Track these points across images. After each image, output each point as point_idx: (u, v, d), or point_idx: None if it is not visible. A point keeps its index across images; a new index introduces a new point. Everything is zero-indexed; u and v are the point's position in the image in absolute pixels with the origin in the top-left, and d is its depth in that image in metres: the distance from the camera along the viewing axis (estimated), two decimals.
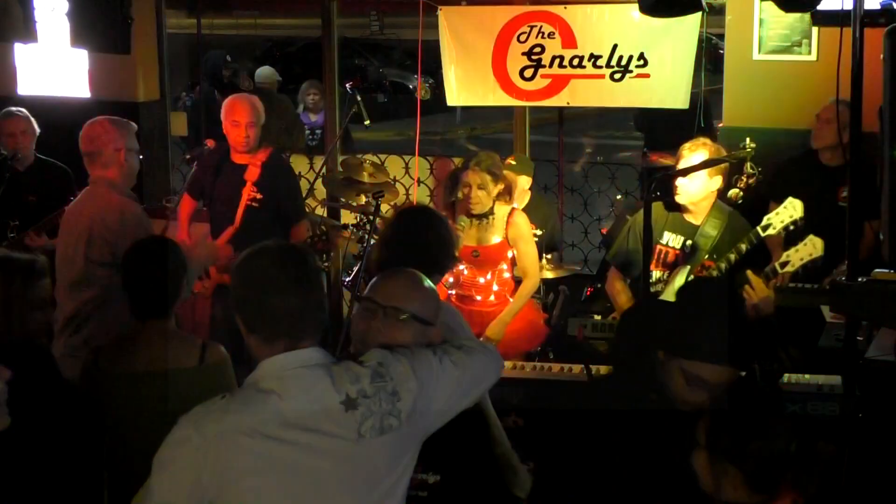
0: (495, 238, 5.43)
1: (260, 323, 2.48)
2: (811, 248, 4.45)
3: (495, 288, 5.48)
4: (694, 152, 4.98)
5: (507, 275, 5.51)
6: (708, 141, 5.10)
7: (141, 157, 4.99)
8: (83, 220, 4.75)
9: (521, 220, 5.49)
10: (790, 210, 4.61)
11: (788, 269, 4.50)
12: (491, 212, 5.42)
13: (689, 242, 5.02)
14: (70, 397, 3.54)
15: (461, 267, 5.45)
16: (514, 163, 6.29)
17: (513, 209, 5.51)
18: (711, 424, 2.60)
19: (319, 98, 9.69)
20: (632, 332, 3.28)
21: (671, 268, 5.02)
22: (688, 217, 5.05)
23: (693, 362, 2.85)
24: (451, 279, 5.52)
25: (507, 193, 5.48)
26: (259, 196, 5.83)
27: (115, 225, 4.65)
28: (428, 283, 2.88)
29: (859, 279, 3.30)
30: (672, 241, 5.07)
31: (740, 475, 2.49)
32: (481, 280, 5.48)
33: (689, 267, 4.87)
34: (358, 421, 2.42)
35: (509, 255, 5.46)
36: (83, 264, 4.66)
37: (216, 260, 5.33)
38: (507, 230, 5.43)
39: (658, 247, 5.05)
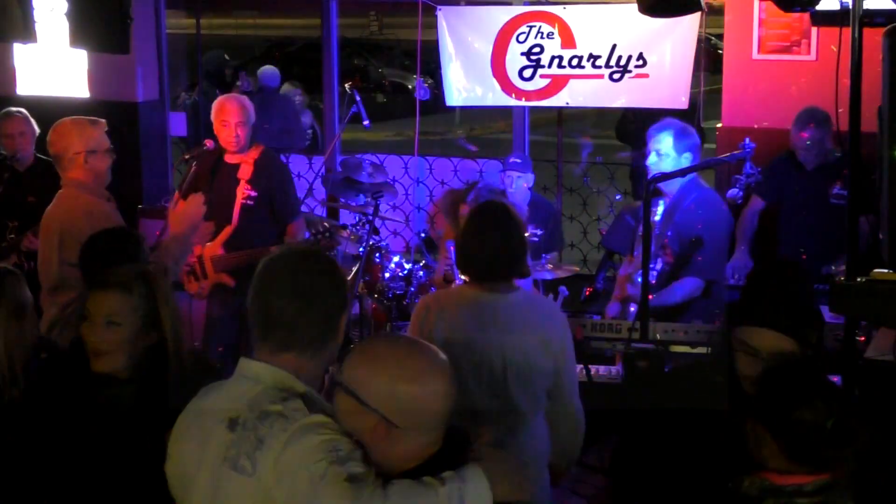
0: None
1: (253, 321, 2.47)
2: None
3: None
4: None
5: None
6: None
7: (113, 155, 4.97)
8: (55, 223, 4.77)
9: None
10: None
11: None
12: None
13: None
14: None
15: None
16: (518, 161, 6.30)
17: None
18: (758, 391, 2.60)
19: (303, 99, 9.75)
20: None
21: None
22: None
23: (744, 328, 2.88)
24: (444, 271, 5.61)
25: None
26: (253, 194, 5.83)
27: (84, 226, 4.64)
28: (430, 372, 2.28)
29: (858, 279, 3.30)
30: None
31: (776, 444, 2.50)
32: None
33: None
34: (226, 445, 2.34)
35: None
36: (59, 268, 4.66)
37: (195, 221, 5.12)
38: None
39: None
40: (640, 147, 8.71)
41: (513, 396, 3.48)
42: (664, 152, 5.06)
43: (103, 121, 5.03)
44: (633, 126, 8.70)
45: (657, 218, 4.99)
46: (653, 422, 3.02)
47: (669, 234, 5.01)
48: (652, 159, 5.11)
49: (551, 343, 3.52)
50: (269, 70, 10.52)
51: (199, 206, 4.85)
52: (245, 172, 5.84)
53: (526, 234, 3.78)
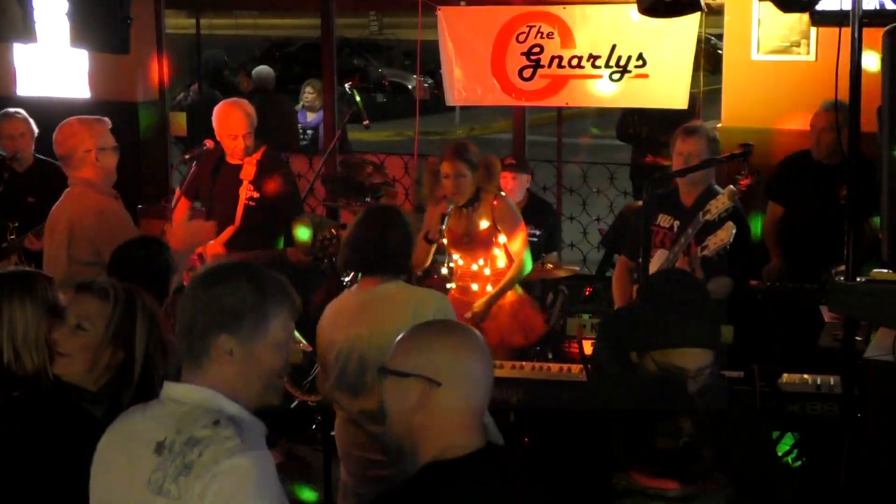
0: (483, 223, 5.46)
1: (176, 339, 2.47)
2: (724, 234, 4.73)
3: (487, 273, 5.51)
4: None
5: (501, 263, 5.51)
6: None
7: (119, 153, 5.00)
8: (63, 221, 4.79)
9: (506, 204, 5.51)
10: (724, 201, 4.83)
11: (706, 252, 4.77)
12: (477, 198, 5.45)
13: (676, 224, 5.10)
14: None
15: (455, 256, 5.52)
16: (514, 162, 6.30)
17: (497, 194, 5.52)
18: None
19: (315, 97, 9.72)
20: (605, 339, 3.29)
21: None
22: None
23: (661, 351, 2.85)
24: (445, 271, 5.63)
25: (489, 177, 5.46)
26: (256, 195, 5.84)
27: (94, 224, 4.67)
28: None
29: (858, 279, 3.30)
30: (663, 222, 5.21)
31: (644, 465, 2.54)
32: (474, 267, 5.52)
33: None
34: (151, 468, 2.31)
35: (501, 240, 5.47)
36: (68, 266, 4.68)
37: (201, 239, 5.30)
38: (492, 214, 5.45)
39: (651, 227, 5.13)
40: (641, 147, 8.74)
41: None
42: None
43: (108, 119, 5.06)
44: (634, 126, 8.72)
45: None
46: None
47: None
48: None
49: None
50: (264, 70, 10.53)
51: (209, 232, 4.97)
52: (248, 173, 5.85)
53: (408, 233, 4.12)
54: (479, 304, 5.45)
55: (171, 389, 2.42)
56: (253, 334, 2.38)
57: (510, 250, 5.49)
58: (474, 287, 5.53)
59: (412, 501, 2.34)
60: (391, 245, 4.02)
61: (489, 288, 5.49)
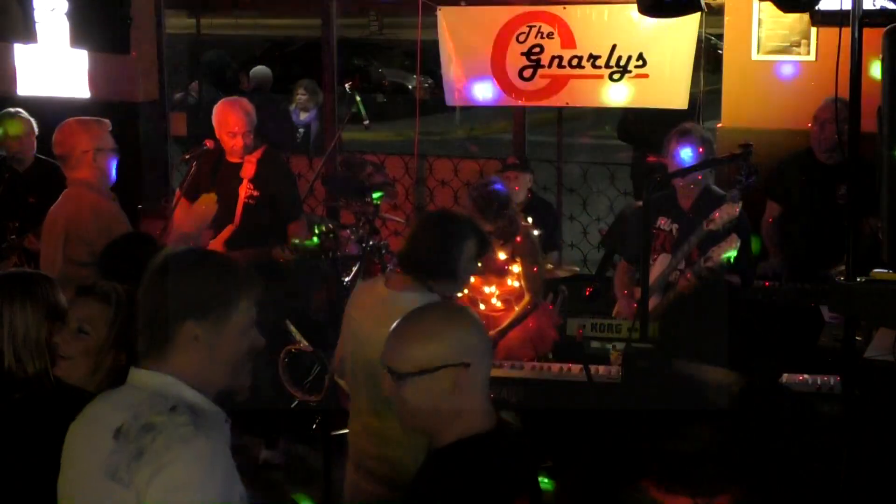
0: (501, 255, 5.38)
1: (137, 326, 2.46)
2: (728, 246, 4.75)
3: (497, 293, 5.44)
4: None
5: (515, 283, 5.46)
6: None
7: (118, 154, 5.00)
8: (60, 221, 4.81)
9: (529, 241, 5.42)
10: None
11: (710, 263, 4.79)
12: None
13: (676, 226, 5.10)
14: None
15: None
16: (516, 162, 6.30)
17: (523, 229, 5.42)
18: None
19: (307, 98, 9.75)
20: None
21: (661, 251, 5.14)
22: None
23: (689, 364, 2.85)
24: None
25: (509, 234, 5.32)
26: (256, 193, 5.84)
27: (90, 224, 4.68)
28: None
29: (858, 279, 3.30)
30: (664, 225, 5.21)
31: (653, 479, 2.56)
32: (486, 290, 5.45)
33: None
34: (108, 453, 2.29)
35: (514, 269, 5.43)
36: (64, 266, 4.68)
37: (205, 218, 5.24)
38: (512, 249, 5.38)
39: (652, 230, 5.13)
40: (642, 147, 8.74)
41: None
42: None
43: (107, 121, 5.06)
44: (635, 126, 8.71)
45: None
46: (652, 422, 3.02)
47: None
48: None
49: None
50: (261, 70, 10.53)
51: (211, 204, 4.91)
52: (248, 171, 5.85)
53: (469, 245, 3.71)
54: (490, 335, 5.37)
55: (132, 375, 2.42)
56: (218, 321, 2.38)
57: (524, 283, 5.40)
58: (481, 306, 5.45)
59: (454, 480, 2.36)
60: (442, 252, 3.68)
61: (497, 304, 5.45)
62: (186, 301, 2.37)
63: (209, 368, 2.40)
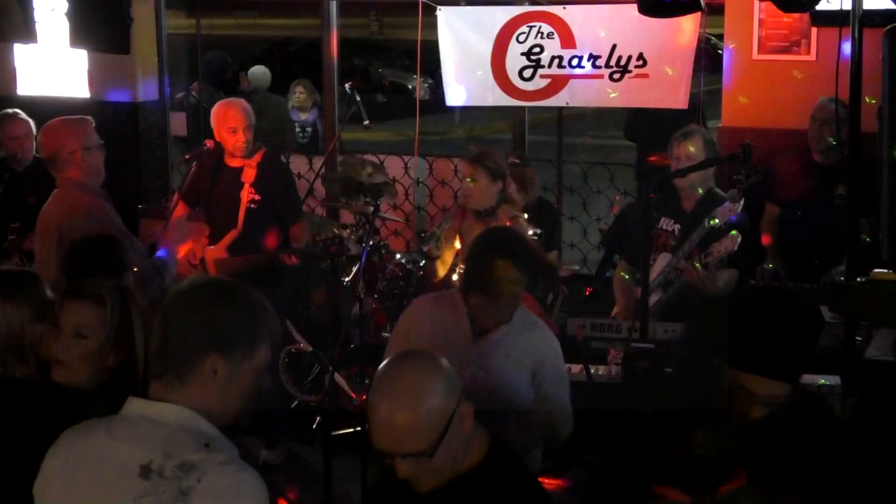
0: None
1: (150, 355, 2.41)
2: (729, 242, 4.83)
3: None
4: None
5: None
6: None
7: (105, 150, 4.98)
8: (52, 222, 4.78)
9: (520, 226, 5.41)
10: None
11: (710, 259, 4.87)
12: (493, 212, 5.41)
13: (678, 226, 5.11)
14: None
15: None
16: (517, 161, 6.29)
17: (515, 216, 5.47)
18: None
19: (305, 97, 9.77)
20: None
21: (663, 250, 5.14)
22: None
23: (739, 373, 2.80)
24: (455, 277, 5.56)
25: (509, 191, 5.41)
26: (257, 197, 5.83)
27: (83, 224, 4.66)
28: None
29: (858, 279, 3.30)
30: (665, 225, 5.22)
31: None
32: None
33: None
34: (138, 493, 2.21)
35: None
36: (57, 266, 4.66)
37: (189, 237, 5.19)
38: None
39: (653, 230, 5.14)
40: (647, 147, 8.73)
41: None
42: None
43: (90, 117, 5.03)
44: (642, 126, 8.70)
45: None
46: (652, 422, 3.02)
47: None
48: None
49: None
50: (259, 70, 10.53)
51: (200, 232, 4.92)
52: (248, 176, 5.85)
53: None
54: None
55: (141, 407, 2.33)
56: (242, 358, 2.33)
57: None
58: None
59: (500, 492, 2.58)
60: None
61: None
62: (215, 334, 2.31)
63: (220, 403, 2.34)
